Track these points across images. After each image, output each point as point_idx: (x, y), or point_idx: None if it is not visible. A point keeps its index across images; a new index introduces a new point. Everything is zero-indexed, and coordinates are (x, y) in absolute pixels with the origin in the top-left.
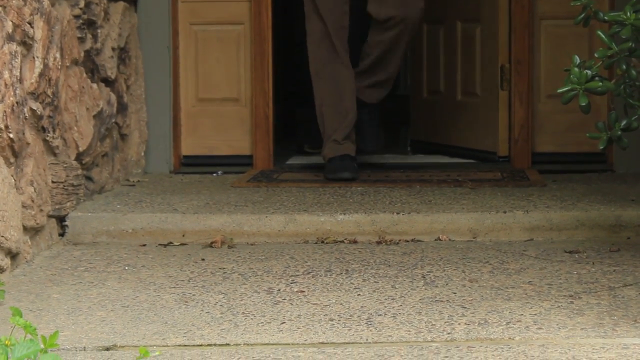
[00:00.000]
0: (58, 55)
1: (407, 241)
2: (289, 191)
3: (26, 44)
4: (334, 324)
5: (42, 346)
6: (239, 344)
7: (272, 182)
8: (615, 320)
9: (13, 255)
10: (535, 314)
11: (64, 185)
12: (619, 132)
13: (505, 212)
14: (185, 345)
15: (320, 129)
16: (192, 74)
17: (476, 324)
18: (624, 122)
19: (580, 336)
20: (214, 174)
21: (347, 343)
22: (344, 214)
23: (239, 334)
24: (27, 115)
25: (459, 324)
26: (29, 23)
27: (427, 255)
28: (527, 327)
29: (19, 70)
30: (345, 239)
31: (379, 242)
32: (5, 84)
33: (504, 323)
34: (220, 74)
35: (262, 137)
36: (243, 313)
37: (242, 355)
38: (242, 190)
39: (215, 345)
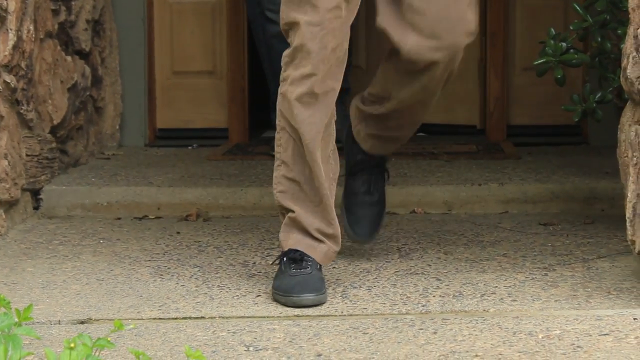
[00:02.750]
0: (32, 27)
1: None
2: (265, 164)
3: None
4: None
5: (16, 320)
6: (214, 317)
7: (247, 155)
8: (589, 292)
9: None
10: (509, 286)
11: (39, 159)
12: (594, 105)
13: (480, 185)
14: (160, 319)
15: None
16: (167, 47)
17: (451, 296)
18: (598, 95)
19: (554, 308)
20: (190, 147)
21: (322, 316)
22: None
23: (214, 307)
24: (0, 88)
25: (433, 296)
26: None
27: (402, 228)
28: (502, 299)
29: None
30: None
31: None
32: None
33: (479, 295)
34: (196, 46)
35: (238, 110)
36: (218, 286)
37: (217, 328)
38: (218, 163)
39: (190, 318)
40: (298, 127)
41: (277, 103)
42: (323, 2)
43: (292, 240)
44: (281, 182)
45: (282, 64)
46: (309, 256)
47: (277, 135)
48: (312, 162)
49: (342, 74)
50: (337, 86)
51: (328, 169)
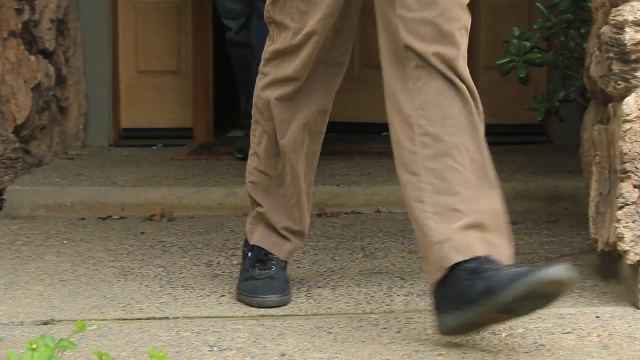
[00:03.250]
0: None
1: (347, 213)
2: (229, 164)
3: None
4: None
5: None
6: (178, 317)
7: (212, 155)
8: None
9: None
10: None
11: (1, 159)
12: (557, 104)
13: None
14: (124, 319)
15: None
16: (131, 46)
17: (415, 295)
18: (562, 94)
19: None
20: (154, 147)
21: (286, 315)
22: None
23: (178, 307)
24: None
25: (397, 295)
26: None
27: (366, 228)
28: None
29: None
30: None
31: (319, 215)
32: None
33: None
34: (161, 46)
35: (203, 110)
36: (182, 286)
37: (181, 328)
38: (182, 163)
39: (154, 318)
40: (276, 125)
41: (254, 96)
42: (313, 9)
43: (257, 235)
44: (252, 173)
45: (263, 58)
46: (273, 255)
47: (252, 126)
48: (285, 161)
49: (336, 77)
50: (326, 89)
51: (311, 162)
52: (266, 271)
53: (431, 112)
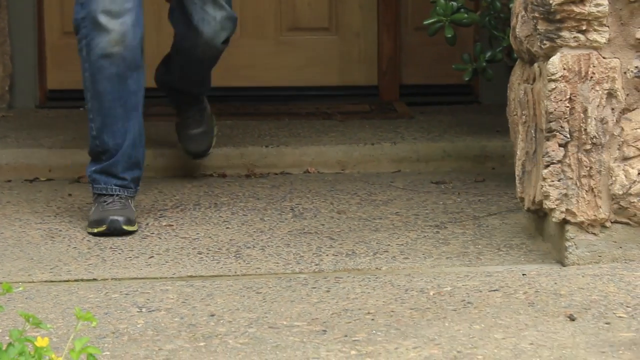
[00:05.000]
0: None
1: (276, 174)
2: (157, 126)
3: None
4: (202, 257)
5: None
6: (107, 279)
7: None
8: (479, 249)
9: None
10: (401, 244)
11: None
12: (484, 64)
13: (373, 144)
14: (51, 281)
15: None
16: (57, 6)
17: (344, 255)
18: (488, 54)
19: (445, 265)
20: (81, 109)
21: (215, 276)
22: (213, 147)
23: (107, 269)
24: None
25: (327, 255)
26: None
27: (295, 188)
28: (394, 257)
29: None
30: (214, 172)
31: (247, 176)
32: None
33: (371, 253)
34: None
35: None
36: (111, 248)
37: (109, 290)
38: None
39: (82, 280)
40: None
41: None
42: None
43: None
44: None
45: None
46: None
47: None
48: None
49: None
50: None
51: None
52: None
53: None
